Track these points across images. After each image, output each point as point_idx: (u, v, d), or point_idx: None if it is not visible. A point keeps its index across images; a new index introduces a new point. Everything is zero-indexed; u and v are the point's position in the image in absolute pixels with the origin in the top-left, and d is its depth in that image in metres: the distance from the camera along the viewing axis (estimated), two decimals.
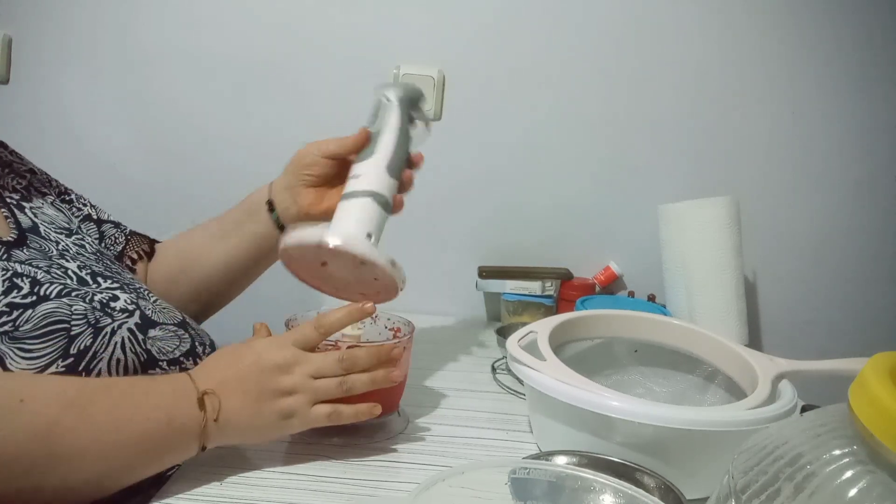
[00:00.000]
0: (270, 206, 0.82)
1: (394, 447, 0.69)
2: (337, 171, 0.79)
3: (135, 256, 0.83)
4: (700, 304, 1.09)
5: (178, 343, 0.66)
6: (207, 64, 1.24)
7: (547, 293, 1.24)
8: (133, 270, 0.82)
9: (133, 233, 0.86)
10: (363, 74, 1.24)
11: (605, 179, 1.28)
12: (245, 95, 1.25)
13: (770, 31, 1.24)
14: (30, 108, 1.25)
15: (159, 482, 0.58)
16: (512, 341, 0.69)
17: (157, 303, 0.69)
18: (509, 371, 0.94)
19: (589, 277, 1.29)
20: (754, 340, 1.29)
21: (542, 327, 0.73)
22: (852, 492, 0.30)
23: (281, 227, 0.82)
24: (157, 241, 0.90)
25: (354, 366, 0.63)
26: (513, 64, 1.24)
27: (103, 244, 0.80)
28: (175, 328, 0.67)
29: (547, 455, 0.61)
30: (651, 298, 1.24)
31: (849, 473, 0.31)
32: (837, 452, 0.32)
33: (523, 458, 0.59)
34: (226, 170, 1.28)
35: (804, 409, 0.90)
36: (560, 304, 1.25)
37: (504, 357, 0.96)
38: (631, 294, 1.26)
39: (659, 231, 1.16)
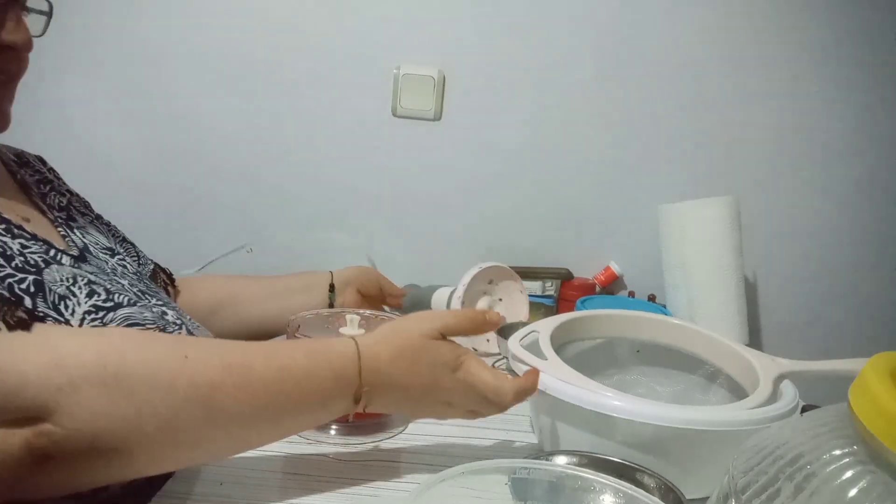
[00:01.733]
0: (331, 288, 0.95)
1: (394, 447, 0.69)
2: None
3: (164, 278, 0.87)
4: (700, 304, 1.09)
5: None
6: (207, 63, 1.24)
7: (547, 293, 1.24)
8: (167, 293, 0.86)
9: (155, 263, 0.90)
10: (363, 74, 1.24)
11: (605, 179, 1.28)
12: (245, 94, 1.25)
13: (770, 31, 1.24)
14: (29, 107, 1.25)
15: (160, 483, 0.58)
16: (514, 341, 0.69)
17: (191, 321, 0.73)
18: (509, 370, 0.94)
19: (589, 277, 1.29)
20: (754, 340, 1.29)
21: (543, 327, 0.72)
22: (852, 492, 0.30)
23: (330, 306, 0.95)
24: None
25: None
26: (513, 64, 1.24)
27: (139, 263, 0.84)
28: None
29: (547, 455, 0.61)
30: (651, 298, 1.24)
31: (849, 473, 0.31)
32: (837, 452, 0.32)
33: (524, 458, 0.59)
34: (226, 169, 1.28)
35: (804, 409, 0.90)
36: (560, 304, 1.25)
37: (504, 357, 0.96)
38: (631, 294, 1.26)
39: (659, 231, 1.16)
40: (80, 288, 0.58)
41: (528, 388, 0.60)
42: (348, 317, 0.76)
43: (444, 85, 1.25)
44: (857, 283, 1.32)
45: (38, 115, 1.25)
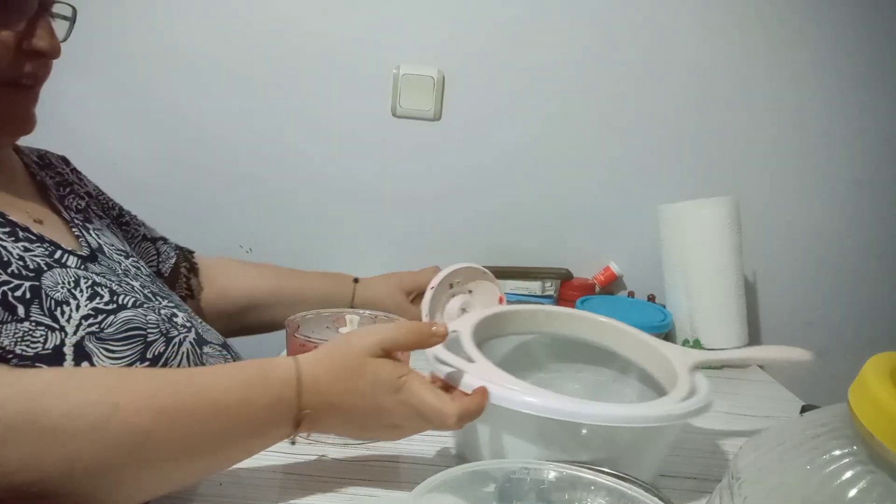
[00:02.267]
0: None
1: (394, 447, 0.69)
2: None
3: (185, 272, 0.90)
4: (700, 305, 1.09)
5: (223, 361, 0.70)
6: (206, 64, 1.24)
7: (547, 293, 1.24)
8: (190, 294, 0.90)
9: (177, 245, 0.94)
10: (363, 74, 1.24)
11: (605, 179, 1.28)
12: (244, 95, 1.25)
13: (770, 31, 1.24)
14: None
15: None
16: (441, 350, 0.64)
17: (203, 324, 0.73)
18: None
19: (589, 277, 1.29)
20: (754, 340, 1.28)
21: (463, 326, 0.69)
22: (852, 492, 0.30)
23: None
24: (193, 252, 0.97)
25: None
26: (513, 64, 1.24)
27: (160, 259, 0.87)
28: (220, 348, 0.72)
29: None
30: (651, 299, 1.24)
31: (849, 473, 0.31)
32: (837, 452, 0.32)
33: (524, 459, 0.59)
34: (225, 169, 1.28)
35: (804, 409, 0.90)
36: (560, 304, 1.25)
37: None
38: (631, 294, 1.26)
39: (659, 231, 1.16)
40: (81, 291, 0.59)
41: (471, 410, 0.55)
42: (348, 317, 0.76)
43: (444, 85, 1.25)
44: (857, 283, 1.32)
45: (39, 116, 1.25)
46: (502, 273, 1.24)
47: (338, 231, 1.29)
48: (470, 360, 0.62)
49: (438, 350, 0.62)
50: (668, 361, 0.69)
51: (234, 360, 0.72)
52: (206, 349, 0.68)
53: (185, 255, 0.93)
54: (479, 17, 1.23)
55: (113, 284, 0.63)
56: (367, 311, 0.83)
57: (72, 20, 0.70)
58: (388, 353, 0.57)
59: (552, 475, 0.49)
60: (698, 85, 1.25)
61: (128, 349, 0.59)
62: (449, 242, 1.30)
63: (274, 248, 1.30)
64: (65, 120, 1.25)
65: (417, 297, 0.99)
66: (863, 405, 0.30)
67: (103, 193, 0.87)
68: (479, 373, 0.59)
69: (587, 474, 0.49)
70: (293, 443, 0.66)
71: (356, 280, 1.01)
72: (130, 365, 0.58)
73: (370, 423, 0.57)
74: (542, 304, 0.99)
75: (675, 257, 1.13)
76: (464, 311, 0.91)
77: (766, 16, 1.23)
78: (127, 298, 0.62)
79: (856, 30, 1.23)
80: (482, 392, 0.57)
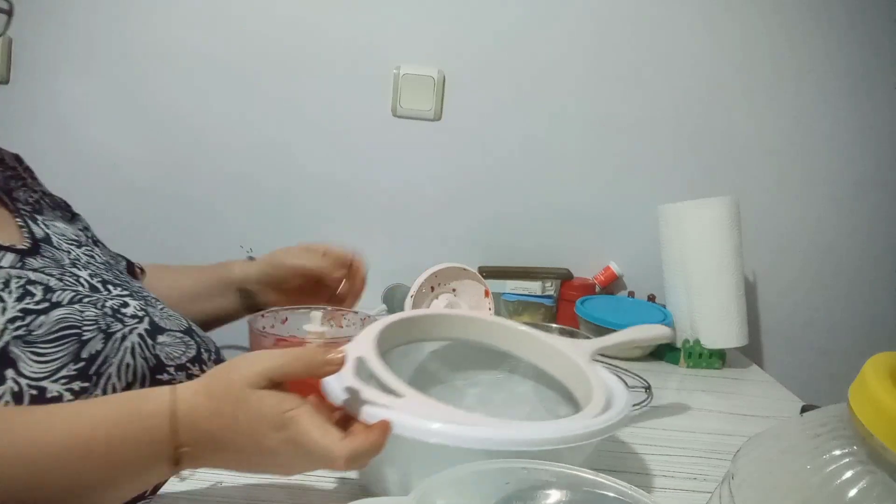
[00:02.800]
0: (243, 294, 0.86)
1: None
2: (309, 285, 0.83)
3: (137, 272, 0.86)
4: (700, 305, 1.09)
5: (184, 349, 0.67)
6: (208, 64, 1.24)
7: (547, 293, 1.24)
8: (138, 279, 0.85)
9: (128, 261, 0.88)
10: (363, 74, 1.24)
11: (605, 179, 1.28)
12: (244, 96, 1.25)
13: (770, 31, 1.24)
14: (29, 108, 1.25)
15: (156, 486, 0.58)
16: (347, 374, 0.55)
17: (164, 310, 0.70)
18: None
19: (589, 277, 1.29)
20: (754, 340, 1.29)
21: (366, 351, 0.59)
22: (852, 492, 0.30)
23: (248, 308, 0.86)
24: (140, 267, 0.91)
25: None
26: (513, 64, 1.24)
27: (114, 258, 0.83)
28: (182, 335, 0.68)
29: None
30: (651, 298, 1.24)
31: (849, 473, 0.31)
32: (837, 452, 0.32)
33: (525, 459, 0.59)
34: (225, 171, 1.28)
35: (804, 409, 0.90)
36: (560, 304, 1.25)
37: None
38: (631, 294, 1.26)
39: (659, 231, 1.16)
40: (10, 292, 0.56)
41: (364, 451, 0.47)
42: (312, 313, 0.75)
43: (444, 85, 1.25)
44: (857, 283, 1.32)
45: (36, 116, 1.25)
46: (502, 273, 1.24)
47: (338, 231, 1.29)
48: (386, 387, 0.55)
49: (347, 379, 0.54)
50: (565, 356, 0.68)
51: (197, 346, 0.68)
52: (161, 338, 0.64)
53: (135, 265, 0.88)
54: (479, 17, 1.23)
55: (52, 280, 0.60)
56: (332, 308, 0.80)
57: (9, 13, 0.68)
58: (274, 383, 0.49)
59: (557, 475, 0.49)
60: (699, 85, 1.25)
61: (59, 350, 0.56)
62: (449, 242, 1.30)
63: (274, 247, 1.29)
64: (63, 122, 1.25)
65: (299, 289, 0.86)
66: (863, 405, 0.30)
67: (55, 196, 0.82)
68: (412, 409, 0.52)
69: (588, 474, 0.49)
70: (182, 479, 0.59)
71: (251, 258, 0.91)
72: (62, 367, 0.55)
73: (258, 461, 0.50)
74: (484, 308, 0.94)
75: (675, 257, 1.13)
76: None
77: (767, 16, 1.23)
78: (64, 295, 0.59)
79: (856, 30, 1.23)
80: (381, 428, 0.49)
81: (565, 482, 0.49)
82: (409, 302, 0.90)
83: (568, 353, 0.69)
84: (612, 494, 0.47)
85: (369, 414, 0.51)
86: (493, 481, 0.49)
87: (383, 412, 0.51)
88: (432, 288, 0.94)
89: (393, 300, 1.18)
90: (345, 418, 0.52)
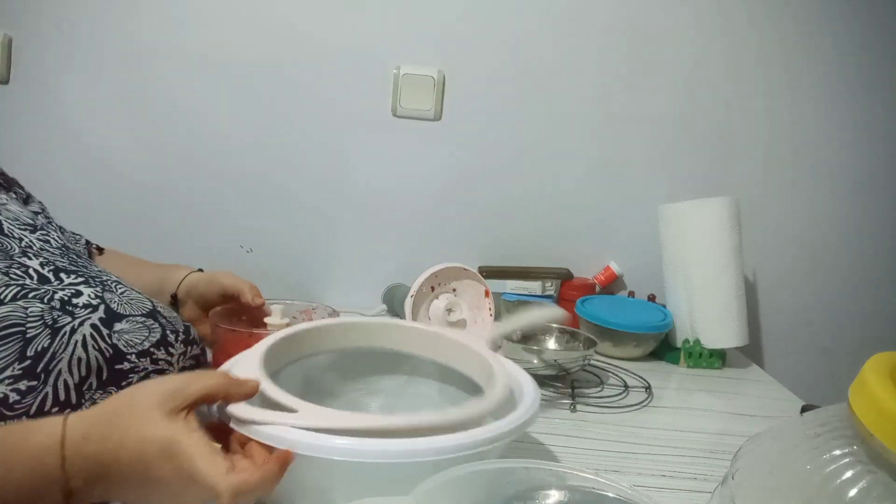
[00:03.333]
0: (173, 300, 0.83)
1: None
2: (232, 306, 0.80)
3: (94, 252, 0.84)
4: (700, 304, 1.09)
5: (147, 334, 0.65)
6: (207, 64, 1.24)
7: (547, 293, 1.24)
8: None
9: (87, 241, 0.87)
10: (363, 74, 1.24)
11: (606, 179, 1.28)
12: (245, 95, 1.25)
13: (770, 31, 1.24)
14: (29, 107, 1.25)
15: None
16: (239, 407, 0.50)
17: (125, 294, 0.67)
18: None
19: (589, 277, 1.29)
20: (754, 340, 1.29)
21: (251, 371, 0.55)
22: (852, 492, 0.30)
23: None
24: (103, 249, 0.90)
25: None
26: (513, 64, 1.24)
27: (76, 241, 0.81)
28: (143, 318, 0.65)
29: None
30: (651, 298, 1.24)
31: (849, 473, 0.31)
32: (837, 452, 0.32)
33: (525, 459, 0.59)
34: (226, 169, 1.28)
35: (804, 409, 0.90)
36: (560, 304, 1.25)
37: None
38: (631, 294, 1.26)
39: (659, 231, 1.16)
40: None
41: (252, 485, 0.44)
42: (273, 307, 0.74)
43: (444, 85, 1.25)
44: (857, 283, 1.32)
45: (36, 116, 1.25)
46: (502, 273, 1.24)
47: (338, 230, 1.29)
48: (278, 405, 0.51)
49: (242, 411, 0.50)
50: (465, 347, 0.67)
51: (162, 328, 0.66)
52: (119, 325, 0.62)
53: (94, 245, 0.87)
54: (479, 17, 1.23)
55: None
56: (298, 301, 0.79)
57: None
58: (177, 408, 0.46)
59: (557, 474, 0.49)
60: (699, 85, 1.25)
61: (3, 350, 0.54)
62: (449, 242, 1.30)
63: (274, 247, 1.30)
64: (63, 121, 1.25)
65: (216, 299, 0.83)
66: (863, 405, 0.30)
67: (7, 175, 0.79)
68: (309, 421, 0.49)
69: (589, 474, 0.49)
70: None
71: (200, 270, 0.88)
72: (6, 367, 0.53)
73: (151, 494, 0.46)
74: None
75: (675, 257, 1.13)
76: (450, 311, 0.91)
77: (767, 16, 1.23)
78: (7, 291, 0.57)
79: (855, 30, 1.23)
80: (278, 462, 0.46)
81: (565, 482, 0.49)
82: (409, 302, 0.90)
83: (467, 344, 0.68)
84: (612, 494, 0.48)
85: (262, 434, 0.48)
86: (493, 481, 0.49)
87: (276, 431, 0.48)
88: (432, 288, 0.94)
89: (393, 300, 1.18)
90: (242, 444, 0.49)
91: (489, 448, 0.50)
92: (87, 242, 0.85)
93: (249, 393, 0.51)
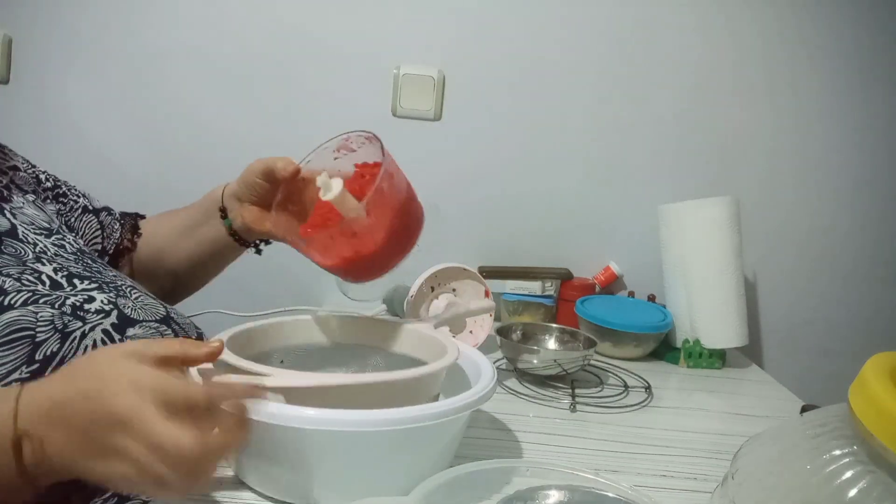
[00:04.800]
0: (223, 213, 0.83)
1: None
2: (281, 194, 0.78)
3: (129, 245, 0.85)
4: (700, 304, 1.09)
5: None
6: (208, 63, 1.24)
7: (547, 293, 1.24)
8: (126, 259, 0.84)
9: (123, 214, 0.88)
10: (363, 74, 1.24)
11: (606, 179, 1.28)
12: (246, 94, 1.25)
13: (770, 31, 1.24)
14: (30, 107, 1.25)
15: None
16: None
17: (139, 300, 0.67)
18: (508, 370, 0.94)
19: (589, 277, 1.29)
20: (754, 340, 1.29)
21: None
22: (852, 492, 0.30)
23: (233, 234, 0.83)
24: (142, 217, 0.91)
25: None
26: (513, 64, 1.24)
27: (104, 234, 0.82)
28: (157, 324, 0.65)
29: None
30: (651, 298, 1.24)
31: (849, 473, 0.31)
32: (837, 452, 0.32)
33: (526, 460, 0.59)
34: (227, 168, 1.27)
35: (804, 409, 0.90)
36: (560, 303, 1.25)
37: (504, 357, 0.96)
38: (631, 294, 1.26)
39: (659, 231, 1.16)
40: None
41: (216, 445, 0.43)
42: (318, 179, 0.69)
43: (444, 85, 1.25)
44: (856, 283, 1.32)
45: (36, 116, 1.25)
46: (502, 273, 1.24)
47: None
48: (255, 374, 0.53)
49: (203, 373, 0.52)
50: (413, 331, 0.71)
51: (174, 335, 0.66)
52: (132, 331, 0.62)
53: (130, 225, 0.87)
54: (479, 17, 1.23)
55: (8, 281, 0.58)
56: (325, 143, 0.77)
57: None
58: (144, 359, 0.46)
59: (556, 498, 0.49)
60: (699, 85, 1.25)
61: (10, 354, 0.54)
62: (449, 242, 1.30)
63: (274, 247, 1.29)
64: (64, 121, 1.25)
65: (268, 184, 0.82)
66: (863, 405, 0.30)
67: (34, 166, 0.80)
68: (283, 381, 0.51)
69: (588, 474, 0.49)
70: None
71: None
72: (13, 370, 0.53)
73: (98, 439, 0.43)
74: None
75: (675, 257, 1.13)
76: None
77: (767, 16, 1.23)
78: (18, 297, 0.57)
79: (855, 30, 1.23)
80: (240, 422, 0.45)
81: (565, 482, 0.49)
82: (409, 302, 0.90)
83: (414, 328, 0.71)
84: (612, 494, 0.48)
85: (238, 382, 0.50)
86: (493, 481, 0.49)
87: (256, 381, 0.50)
88: (432, 288, 0.94)
89: (393, 300, 1.18)
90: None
91: (451, 419, 0.52)
92: (123, 215, 0.86)
93: (212, 353, 0.50)
